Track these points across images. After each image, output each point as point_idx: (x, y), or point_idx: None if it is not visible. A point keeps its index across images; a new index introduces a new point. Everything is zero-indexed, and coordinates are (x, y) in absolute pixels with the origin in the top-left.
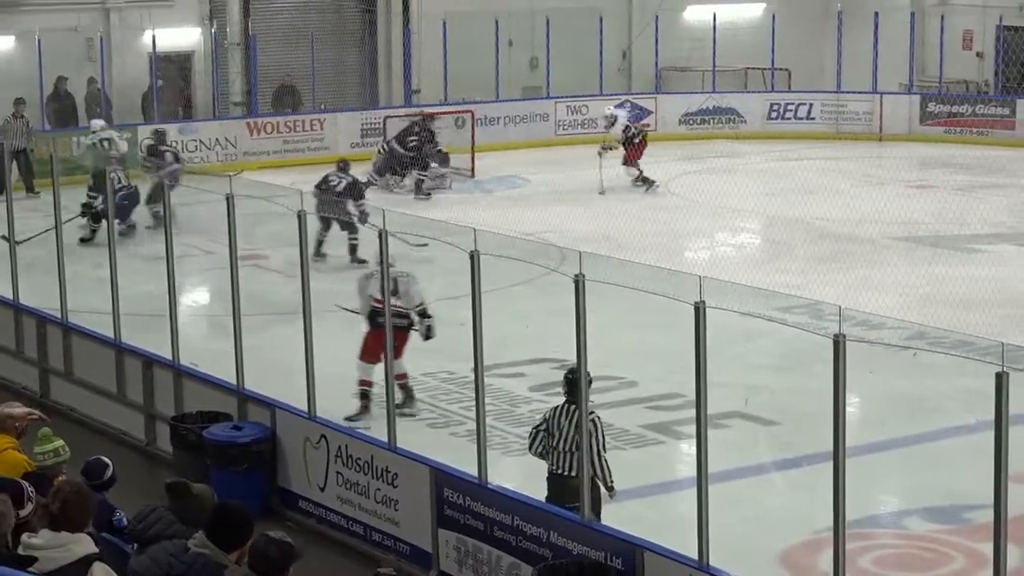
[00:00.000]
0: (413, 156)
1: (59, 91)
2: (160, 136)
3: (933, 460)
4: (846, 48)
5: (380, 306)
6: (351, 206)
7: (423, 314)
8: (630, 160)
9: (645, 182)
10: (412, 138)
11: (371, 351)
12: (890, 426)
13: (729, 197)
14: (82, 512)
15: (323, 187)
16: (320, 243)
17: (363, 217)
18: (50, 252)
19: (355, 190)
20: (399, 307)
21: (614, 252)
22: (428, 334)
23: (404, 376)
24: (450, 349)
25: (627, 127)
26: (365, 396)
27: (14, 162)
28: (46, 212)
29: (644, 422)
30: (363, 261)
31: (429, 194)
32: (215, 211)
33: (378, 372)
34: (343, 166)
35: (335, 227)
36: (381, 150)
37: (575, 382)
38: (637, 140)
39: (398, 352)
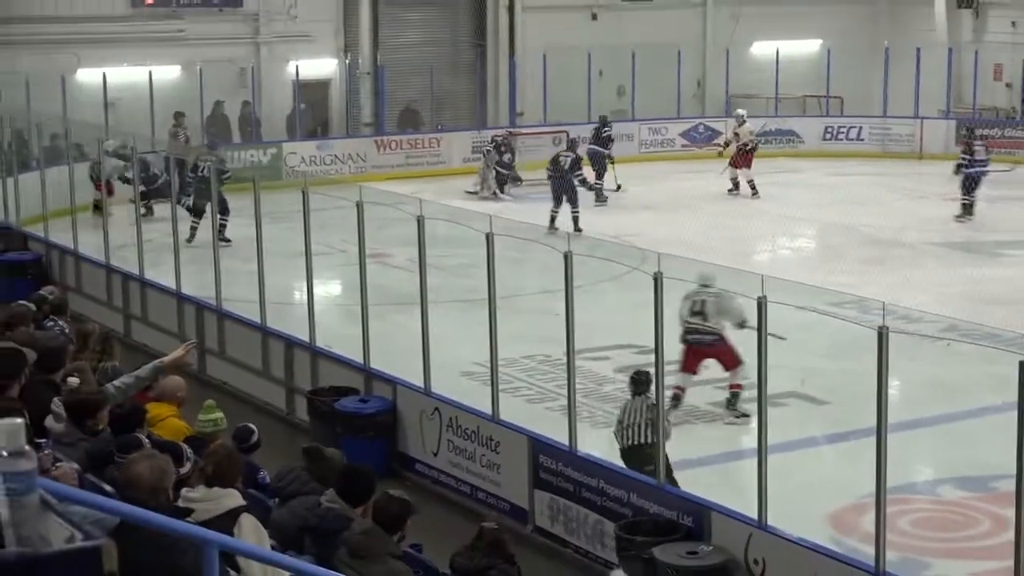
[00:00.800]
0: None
1: (216, 113)
2: (211, 148)
3: (963, 436)
4: (892, 78)
5: (692, 325)
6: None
7: (742, 325)
8: (738, 164)
9: (739, 187)
10: (507, 154)
11: (688, 364)
12: (926, 406)
13: (789, 207)
14: (232, 471)
15: (553, 166)
16: (552, 219)
17: (587, 184)
18: (207, 248)
19: (578, 167)
20: (706, 327)
21: (688, 254)
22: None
23: (737, 386)
24: (546, 335)
25: (751, 132)
26: (676, 399)
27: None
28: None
29: (712, 400)
30: (578, 230)
31: (606, 198)
32: (347, 216)
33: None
34: (572, 144)
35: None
36: (493, 164)
37: (638, 381)
38: (749, 148)
39: (730, 363)
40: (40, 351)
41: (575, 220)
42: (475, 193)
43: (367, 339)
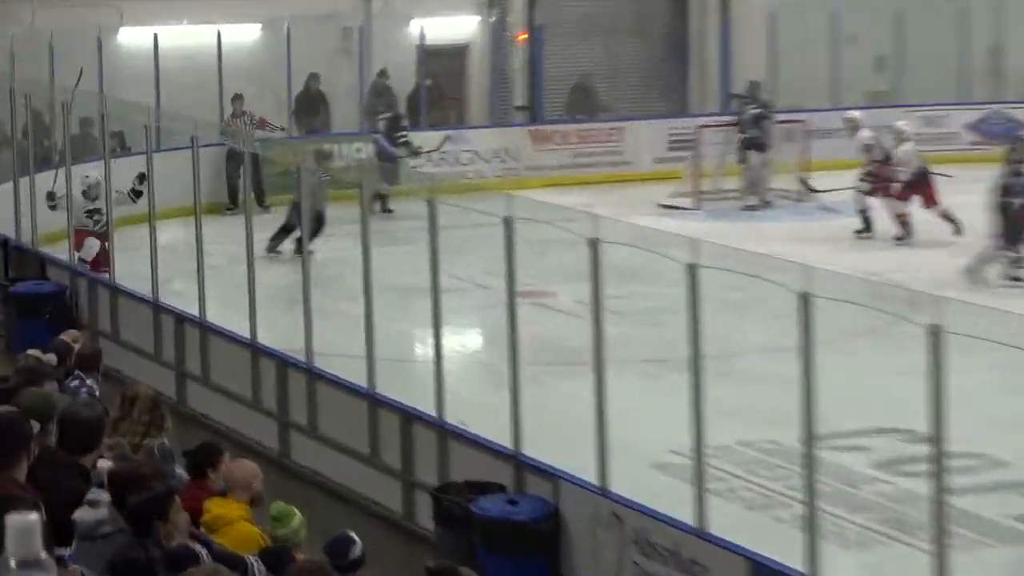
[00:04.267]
0: None
1: (310, 90)
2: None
3: None
4: None
5: None
6: None
7: None
8: (905, 196)
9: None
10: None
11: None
12: None
13: None
14: None
15: None
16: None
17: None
18: (293, 281)
19: None
20: None
21: (979, 299)
22: None
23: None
24: (774, 413)
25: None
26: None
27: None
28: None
29: (1019, 512)
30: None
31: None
32: (490, 237)
33: None
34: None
35: None
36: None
37: None
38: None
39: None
40: (64, 423)
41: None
42: (675, 207)
43: (518, 413)
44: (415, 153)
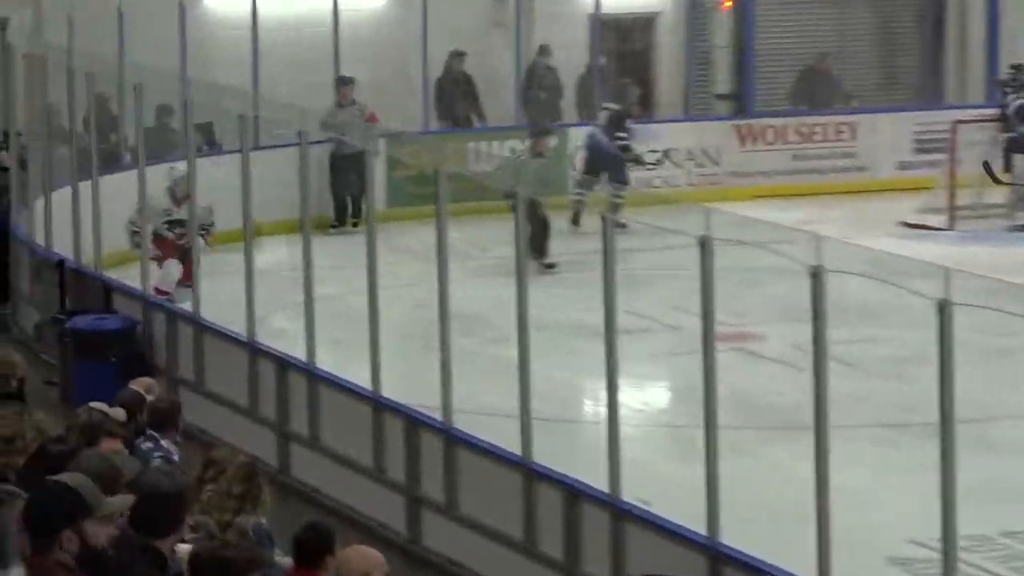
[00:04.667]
0: None
1: (452, 71)
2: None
3: None
4: None
5: None
6: None
7: None
8: None
9: None
10: None
11: None
12: None
13: None
14: None
15: None
16: None
17: None
18: (425, 318)
19: None
20: None
21: None
22: None
23: None
24: None
25: None
26: None
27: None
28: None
29: None
30: None
31: None
32: (682, 262)
33: None
34: None
35: None
36: None
37: None
38: None
39: None
40: (137, 495)
41: None
42: (922, 227)
43: (715, 492)
44: (635, 160)
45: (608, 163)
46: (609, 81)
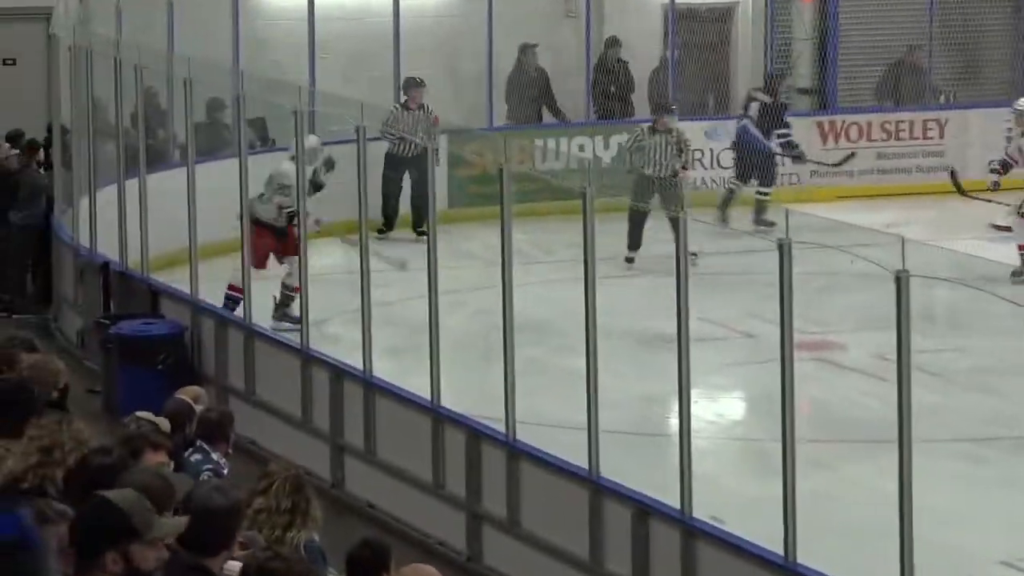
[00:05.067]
0: None
1: (523, 67)
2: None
3: None
4: None
5: None
6: None
7: None
8: None
9: None
10: None
11: None
12: None
13: None
14: None
15: None
16: None
17: None
18: (488, 325)
19: None
20: None
21: None
22: None
23: None
24: None
25: None
26: None
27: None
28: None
29: None
30: None
31: None
32: (759, 267)
33: None
34: None
35: None
36: None
37: None
38: None
39: None
40: (189, 513)
41: None
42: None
43: (791, 509)
44: (797, 158)
45: (758, 160)
46: (685, 72)
